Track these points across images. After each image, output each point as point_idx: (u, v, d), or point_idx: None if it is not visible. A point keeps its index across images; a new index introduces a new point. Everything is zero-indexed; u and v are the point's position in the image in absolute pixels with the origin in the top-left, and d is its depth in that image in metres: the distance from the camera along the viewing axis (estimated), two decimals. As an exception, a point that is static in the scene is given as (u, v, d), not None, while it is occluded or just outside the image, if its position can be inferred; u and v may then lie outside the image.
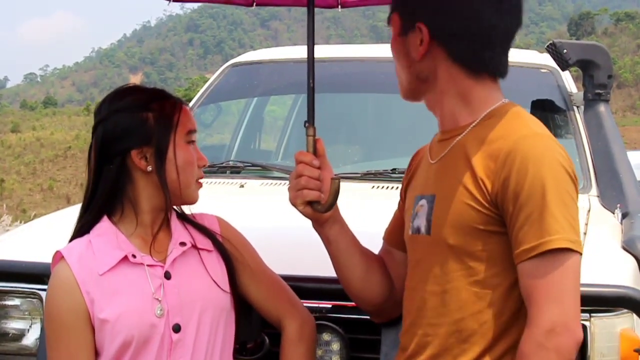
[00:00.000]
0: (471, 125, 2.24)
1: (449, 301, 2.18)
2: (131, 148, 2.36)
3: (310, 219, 2.46)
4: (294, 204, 2.44)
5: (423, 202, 2.29)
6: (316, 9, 2.76)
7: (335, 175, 2.48)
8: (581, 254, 2.07)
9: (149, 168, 2.36)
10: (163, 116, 2.37)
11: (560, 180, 2.07)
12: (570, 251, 2.04)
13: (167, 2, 2.92)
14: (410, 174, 2.50)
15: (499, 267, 2.14)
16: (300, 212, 2.44)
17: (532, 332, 2.03)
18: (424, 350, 2.24)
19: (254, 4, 3.03)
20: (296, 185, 2.43)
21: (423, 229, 2.27)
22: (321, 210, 2.43)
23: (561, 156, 2.11)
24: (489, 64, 2.26)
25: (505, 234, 2.12)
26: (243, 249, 2.56)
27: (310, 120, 2.55)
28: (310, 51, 2.64)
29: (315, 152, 2.48)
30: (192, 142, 2.42)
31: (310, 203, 2.42)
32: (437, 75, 2.27)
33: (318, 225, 2.48)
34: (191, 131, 2.41)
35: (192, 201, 2.45)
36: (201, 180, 2.50)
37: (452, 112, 2.28)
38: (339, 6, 3.03)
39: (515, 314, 2.15)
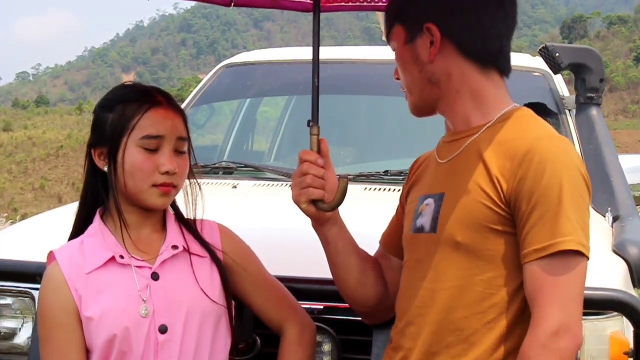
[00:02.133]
0: (485, 127, 2.25)
1: (452, 299, 2.18)
2: (92, 146, 2.41)
3: (313, 218, 2.45)
4: (297, 202, 2.42)
5: (429, 201, 2.30)
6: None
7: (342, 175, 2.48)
8: (589, 259, 2.08)
9: (106, 168, 2.38)
10: (122, 118, 2.35)
11: (576, 184, 2.09)
12: (580, 255, 2.05)
13: None
14: (412, 180, 2.51)
15: (506, 268, 2.14)
16: (303, 210, 2.42)
17: (536, 333, 2.03)
18: (421, 348, 2.22)
19: (232, 4, 3.02)
20: (301, 183, 2.42)
21: (428, 227, 2.27)
22: (327, 210, 2.42)
23: (579, 160, 2.14)
24: (498, 57, 2.30)
25: (516, 234, 2.13)
26: (244, 256, 2.56)
27: (314, 120, 2.54)
28: (316, 51, 2.64)
29: (319, 152, 2.47)
30: (153, 147, 2.35)
31: (314, 202, 2.42)
32: (450, 74, 2.28)
33: (318, 225, 2.48)
34: (150, 136, 2.35)
35: (150, 207, 2.39)
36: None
37: (466, 113, 2.30)
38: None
39: (519, 316, 2.14)
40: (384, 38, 2.53)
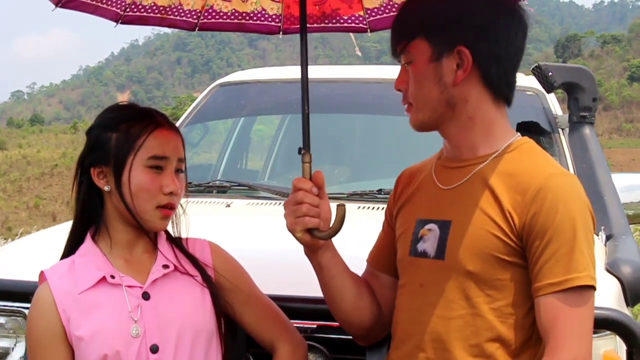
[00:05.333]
0: (492, 156, 2.27)
1: (463, 327, 2.20)
2: (92, 165, 2.39)
3: (307, 245, 2.44)
4: (292, 231, 2.40)
5: (432, 226, 2.30)
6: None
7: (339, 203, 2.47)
8: (596, 289, 2.14)
9: (106, 188, 2.38)
10: (127, 137, 2.35)
11: (587, 219, 2.15)
12: (592, 288, 2.12)
13: (115, 24, 2.95)
14: (401, 196, 2.49)
15: (514, 297, 2.18)
16: (298, 238, 2.40)
17: None
18: None
19: (197, 28, 3.09)
20: (296, 212, 2.39)
21: (432, 253, 2.27)
22: (324, 238, 2.41)
23: (585, 196, 2.19)
24: (512, 88, 2.32)
25: (524, 266, 2.17)
26: (236, 274, 2.55)
27: (305, 147, 2.53)
28: (304, 78, 2.64)
29: (310, 178, 2.45)
30: (157, 167, 2.36)
31: (308, 230, 2.40)
32: (467, 100, 2.27)
33: (311, 252, 2.46)
34: (156, 157, 2.36)
35: (151, 228, 2.40)
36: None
37: (474, 142, 2.30)
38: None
39: (524, 343, 2.19)
40: (358, 53, 2.51)
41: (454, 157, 2.35)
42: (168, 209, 2.38)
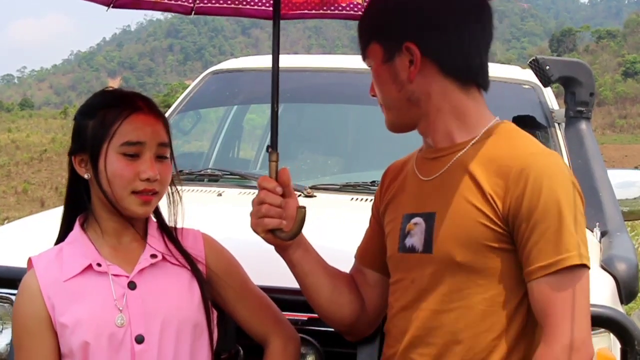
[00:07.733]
0: (470, 143, 2.24)
1: (457, 319, 2.17)
2: (73, 153, 2.38)
3: (272, 245, 2.45)
4: (255, 231, 2.42)
5: (417, 219, 2.27)
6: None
7: (301, 205, 2.47)
8: (589, 268, 2.10)
9: (86, 175, 2.36)
10: (102, 124, 2.32)
11: (573, 197, 2.10)
12: (584, 267, 2.07)
13: (107, 8, 2.92)
14: (387, 192, 2.47)
15: (507, 284, 2.15)
16: (262, 238, 2.43)
17: (551, 348, 2.04)
18: None
19: (193, 12, 3.07)
20: (257, 212, 2.41)
21: (420, 248, 2.25)
22: (284, 239, 2.42)
23: (571, 174, 2.15)
24: (478, 73, 2.28)
25: (513, 251, 2.13)
26: (228, 266, 2.53)
27: (273, 146, 2.53)
28: (275, 75, 2.65)
29: (277, 178, 2.46)
30: (133, 153, 2.31)
31: (272, 230, 2.40)
32: (430, 93, 2.25)
33: (281, 250, 2.47)
34: (130, 142, 2.31)
35: (130, 215, 2.36)
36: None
37: (448, 131, 2.27)
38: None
39: (522, 330, 2.16)
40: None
41: (432, 148, 2.33)
42: (146, 194, 2.34)
